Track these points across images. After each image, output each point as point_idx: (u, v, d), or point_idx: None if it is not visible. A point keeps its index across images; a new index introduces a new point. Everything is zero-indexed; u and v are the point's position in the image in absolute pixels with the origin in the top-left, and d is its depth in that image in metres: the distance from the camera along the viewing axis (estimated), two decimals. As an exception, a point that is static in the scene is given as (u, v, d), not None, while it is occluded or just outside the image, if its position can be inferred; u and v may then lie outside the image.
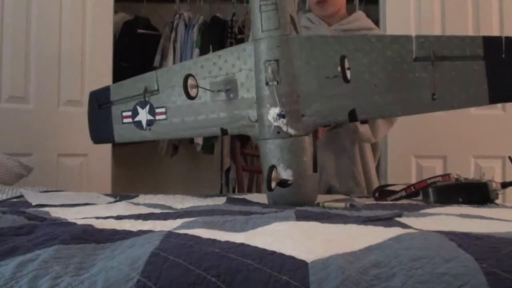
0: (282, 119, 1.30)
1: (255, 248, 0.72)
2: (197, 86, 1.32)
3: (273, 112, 1.31)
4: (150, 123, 1.48)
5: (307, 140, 1.34)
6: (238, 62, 1.39)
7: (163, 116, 1.47)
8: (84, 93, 2.63)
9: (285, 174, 1.29)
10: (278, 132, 1.31)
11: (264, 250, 0.71)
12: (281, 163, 1.30)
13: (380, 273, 0.65)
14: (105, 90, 1.56)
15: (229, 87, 1.38)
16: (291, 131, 1.31)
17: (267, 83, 1.32)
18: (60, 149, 2.61)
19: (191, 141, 3.33)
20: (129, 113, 1.51)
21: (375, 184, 1.93)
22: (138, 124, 1.50)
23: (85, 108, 2.57)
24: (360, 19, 1.93)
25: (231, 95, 1.38)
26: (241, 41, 3.29)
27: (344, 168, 1.86)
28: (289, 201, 1.31)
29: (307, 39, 1.37)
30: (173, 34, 3.33)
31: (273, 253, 0.70)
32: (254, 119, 1.36)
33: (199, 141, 3.28)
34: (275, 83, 1.31)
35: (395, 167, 2.62)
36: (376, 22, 2.85)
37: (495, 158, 2.56)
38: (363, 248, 0.73)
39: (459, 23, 2.62)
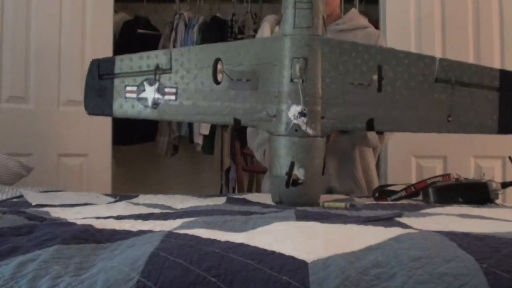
0: (302, 118, 1.30)
1: (255, 248, 0.72)
2: (222, 72, 1.31)
3: (295, 109, 1.30)
4: (157, 101, 1.42)
5: (322, 142, 1.35)
6: (263, 55, 1.37)
7: (172, 97, 1.41)
8: (84, 93, 2.63)
9: (298, 172, 1.29)
10: (296, 130, 1.30)
11: (264, 250, 0.71)
12: (295, 161, 1.30)
13: (380, 273, 0.65)
14: (110, 61, 1.48)
15: (250, 78, 1.36)
16: (310, 131, 1.30)
17: (291, 80, 1.31)
18: (60, 149, 2.61)
19: (191, 141, 3.33)
20: (134, 88, 1.44)
21: (376, 185, 1.93)
22: (143, 101, 1.43)
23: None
24: (354, 18, 1.92)
25: (251, 87, 1.36)
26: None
27: (344, 170, 1.86)
28: (295, 200, 1.31)
29: (338, 43, 1.37)
30: (173, 34, 3.33)
31: (273, 253, 0.70)
32: (272, 114, 1.34)
33: (199, 141, 3.28)
34: (300, 81, 1.30)
35: (395, 167, 2.62)
36: (376, 22, 2.85)
37: (495, 158, 2.56)
38: (363, 248, 0.73)
39: (459, 23, 2.62)
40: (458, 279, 0.63)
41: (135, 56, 1.47)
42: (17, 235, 0.82)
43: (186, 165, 3.74)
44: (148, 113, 1.44)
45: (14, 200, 1.38)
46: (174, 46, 3.28)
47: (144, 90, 1.43)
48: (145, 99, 1.43)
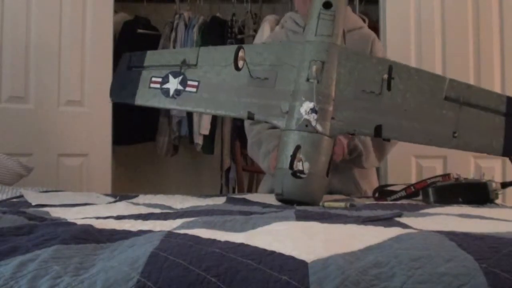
0: (313, 114, 1.35)
1: (255, 248, 0.72)
2: (244, 60, 1.38)
3: (307, 105, 1.35)
4: (178, 92, 1.50)
5: (330, 142, 1.38)
6: (284, 57, 1.46)
7: (193, 89, 1.49)
8: (84, 93, 2.64)
9: (303, 166, 1.31)
10: (306, 125, 1.35)
11: (264, 250, 0.71)
12: (302, 155, 1.32)
13: (380, 273, 0.65)
14: (141, 54, 1.58)
15: (268, 77, 1.44)
16: (319, 128, 1.35)
17: (307, 79, 1.38)
18: (60, 149, 2.61)
19: (191, 141, 3.33)
20: (159, 79, 1.52)
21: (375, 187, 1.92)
22: (165, 91, 1.51)
23: (85, 108, 2.63)
24: (350, 19, 1.89)
25: (268, 85, 1.43)
26: (241, 41, 3.29)
27: (345, 172, 1.85)
28: (297, 195, 1.32)
29: (354, 53, 1.47)
30: (173, 34, 3.33)
31: (273, 253, 0.70)
32: (285, 110, 1.40)
33: (199, 141, 3.28)
34: (315, 81, 1.37)
35: (395, 167, 2.62)
36: (376, 22, 2.86)
37: (495, 158, 2.55)
38: (363, 248, 0.73)
39: (459, 23, 2.62)
40: (457, 279, 0.63)
41: (165, 51, 1.65)
42: (17, 235, 0.82)
43: (186, 165, 3.74)
44: (167, 102, 1.52)
45: (14, 200, 1.38)
46: (174, 46, 3.28)
47: (168, 82, 1.51)
48: (168, 89, 1.51)
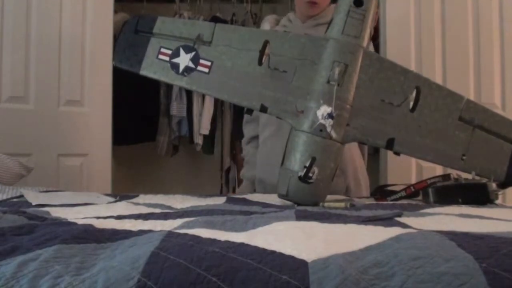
0: (330, 120, 1.31)
1: (255, 247, 0.73)
2: (268, 56, 1.33)
3: (324, 110, 1.31)
4: (188, 70, 1.42)
5: (341, 149, 1.36)
6: (306, 52, 1.39)
7: (205, 69, 1.41)
8: (84, 93, 2.64)
9: (312, 171, 1.30)
10: (321, 130, 1.32)
11: (264, 250, 0.71)
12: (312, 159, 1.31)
13: (380, 272, 0.66)
14: (151, 20, 1.48)
15: (287, 70, 1.38)
16: (333, 134, 1.32)
17: (328, 81, 1.33)
18: (60, 149, 2.60)
19: (191, 141, 3.33)
20: (168, 52, 1.43)
21: (365, 183, 1.90)
22: (175, 66, 1.43)
23: (85, 108, 2.63)
24: (331, 12, 1.88)
25: (286, 78, 1.37)
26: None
27: None
28: (301, 198, 1.31)
29: (378, 59, 1.41)
30: (173, 34, 3.33)
31: (273, 252, 0.71)
32: (300, 109, 1.35)
33: (199, 141, 3.28)
34: (336, 84, 1.32)
35: (395, 167, 2.62)
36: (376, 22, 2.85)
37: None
38: (363, 248, 0.73)
39: (459, 24, 2.62)
40: (457, 278, 0.63)
41: (179, 21, 1.51)
42: (17, 235, 0.82)
43: (186, 165, 3.74)
44: (176, 79, 1.43)
45: (15, 200, 1.38)
46: (174, 46, 3.27)
47: (178, 56, 1.43)
48: (177, 64, 1.43)
